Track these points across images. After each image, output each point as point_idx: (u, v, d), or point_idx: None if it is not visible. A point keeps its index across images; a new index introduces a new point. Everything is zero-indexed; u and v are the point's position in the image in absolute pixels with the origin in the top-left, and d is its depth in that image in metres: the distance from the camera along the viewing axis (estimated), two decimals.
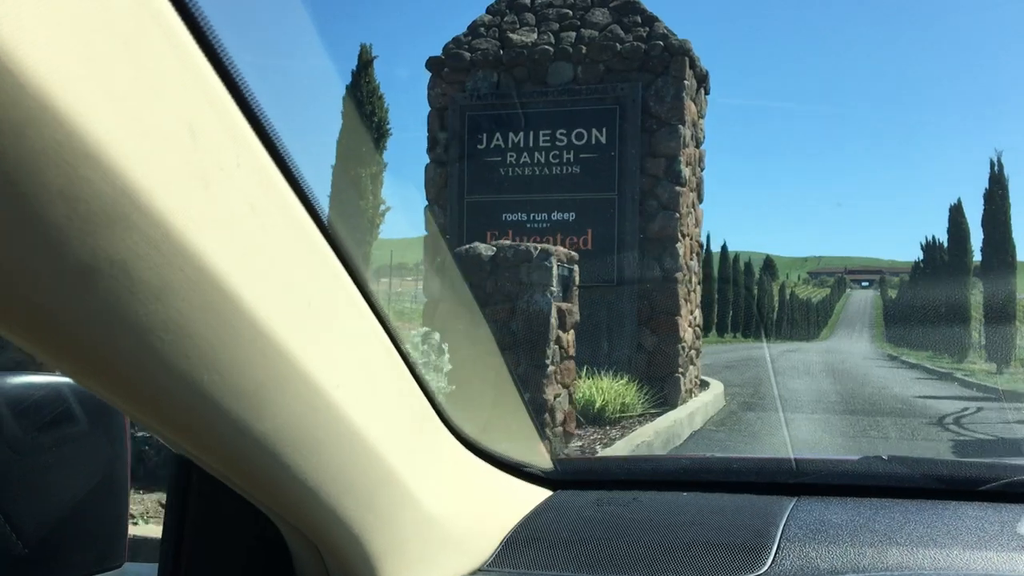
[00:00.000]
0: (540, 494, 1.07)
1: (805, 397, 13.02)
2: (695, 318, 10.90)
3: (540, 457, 1.12)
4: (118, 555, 0.84)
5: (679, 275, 9.77)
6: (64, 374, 0.52)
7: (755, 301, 58.50)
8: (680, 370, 9.76)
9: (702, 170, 11.35)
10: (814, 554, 0.88)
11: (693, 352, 10.74)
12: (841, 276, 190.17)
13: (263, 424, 0.58)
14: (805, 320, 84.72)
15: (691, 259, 10.49)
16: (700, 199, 11.30)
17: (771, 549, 0.90)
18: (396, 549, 0.76)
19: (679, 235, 9.79)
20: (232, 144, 0.52)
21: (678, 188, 9.79)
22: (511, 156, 9.97)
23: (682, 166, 9.81)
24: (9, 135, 0.38)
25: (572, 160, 9.85)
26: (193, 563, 0.79)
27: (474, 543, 0.91)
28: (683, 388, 9.79)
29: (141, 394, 0.52)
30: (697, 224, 11.10)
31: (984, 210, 24.35)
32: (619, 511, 1.03)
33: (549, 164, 9.90)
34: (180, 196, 0.47)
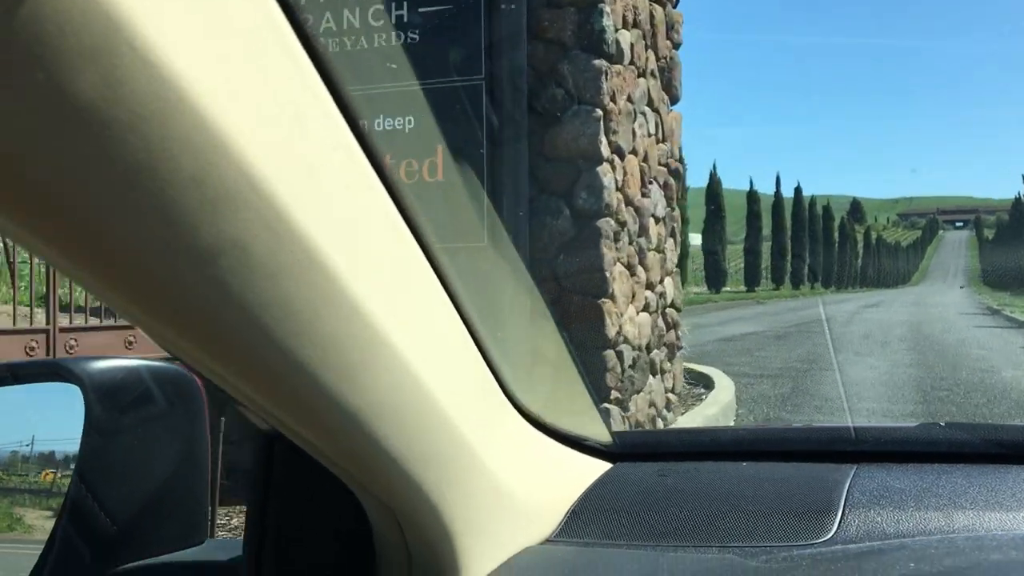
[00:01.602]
0: (601, 467, 1.06)
1: (864, 402, 8.26)
2: (663, 296, 6.28)
3: (599, 431, 1.12)
4: (202, 530, 0.88)
5: (605, 224, 5.16)
6: (177, 349, 0.55)
7: (835, 248, 53.01)
8: (615, 395, 5.20)
9: (675, 48, 6.62)
10: (879, 519, 0.85)
11: (660, 354, 6.15)
12: (933, 217, 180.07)
13: (356, 399, 0.61)
14: (893, 266, 78.29)
15: (642, 195, 5.83)
16: (673, 97, 6.59)
17: (836, 515, 0.86)
18: (471, 520, 0.80)
19: (605, 150, 5.16)
20: (329, 128, 0.54)
21: (599, 63, 5.14)
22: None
23: (607, 21, 5.14)
24: (153, 124, 0.41)
25: (405, 20, 5.30)
26: (278, 534, 0.82)
27: (541, 515, 0.92)
28: (625, 428, 5.22)
29: (248, 367, 0.55)
30: (664, 138, 6.41)
31: None
32: (680, 482, 1.02)
33: (367, 30, 5.34)
34: (291, 180, 0.50)
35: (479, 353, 0.80)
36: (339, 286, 0.55)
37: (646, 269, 5.89)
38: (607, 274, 5.18)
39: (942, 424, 1.07)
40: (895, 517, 0.85)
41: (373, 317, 0.59)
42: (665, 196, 6.38)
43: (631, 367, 5.49)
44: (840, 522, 0.85)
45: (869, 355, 12.41)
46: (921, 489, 0.90)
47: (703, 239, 33.26)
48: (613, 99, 5.28)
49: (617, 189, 5.36)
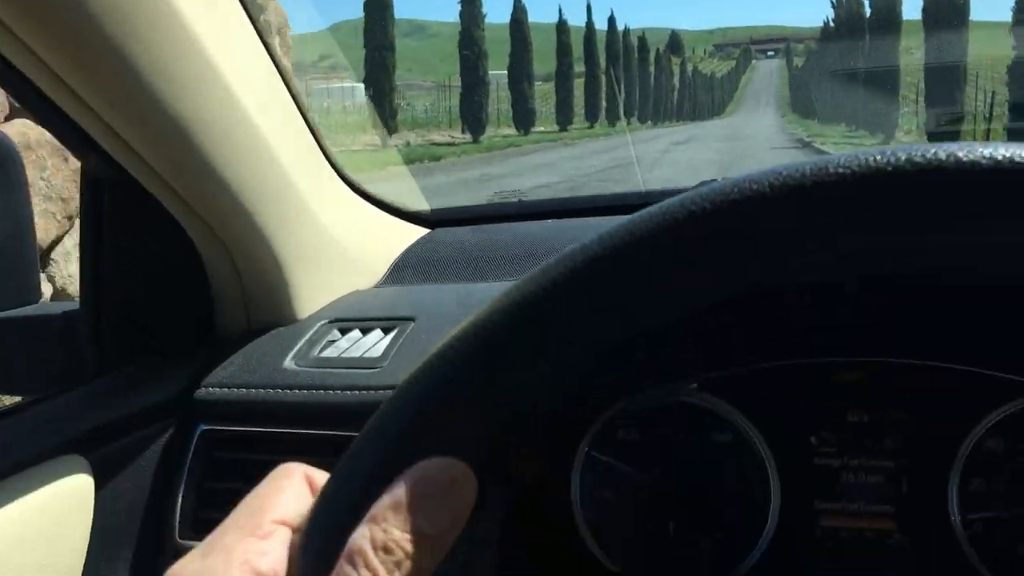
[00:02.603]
0: (421, 231, 1.22)
1: None
2: None
3: (418, 202, 1.28)
4: (33, 291, 0.94)
5: None
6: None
7: (651, 81, 52.55)
8: None
9: None
10: None
11: None
12: (746, 47, 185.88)
13: (179, 104, 0.71)
14: (708, 97, 79.72)
15: None
16: None
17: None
18: (302, 258, 0.92)
19: None
20: None
21: None
22: None
23: None
24: None
25: None
26: (113, 280, 0.88)
27: (365, 266, 1.08)
28: None
29: (68, 56, 0.64)
30: None
31: None
32: (490, 236, 1.18)
33: None
34: None
35: (307, 125, 0.93)
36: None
37: None
38: None
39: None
40: None
41: (192, 26, 0.70)
42: None
43: None
44: None
45: None
46: None
47: (509, 76, 31.33)
48: None
49: None
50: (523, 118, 30.92)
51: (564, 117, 35.68)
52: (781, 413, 0.85)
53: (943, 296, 0.79)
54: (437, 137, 26.20)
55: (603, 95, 40.29)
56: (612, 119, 41.65)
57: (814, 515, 0.83)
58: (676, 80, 67.67)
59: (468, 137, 25.61)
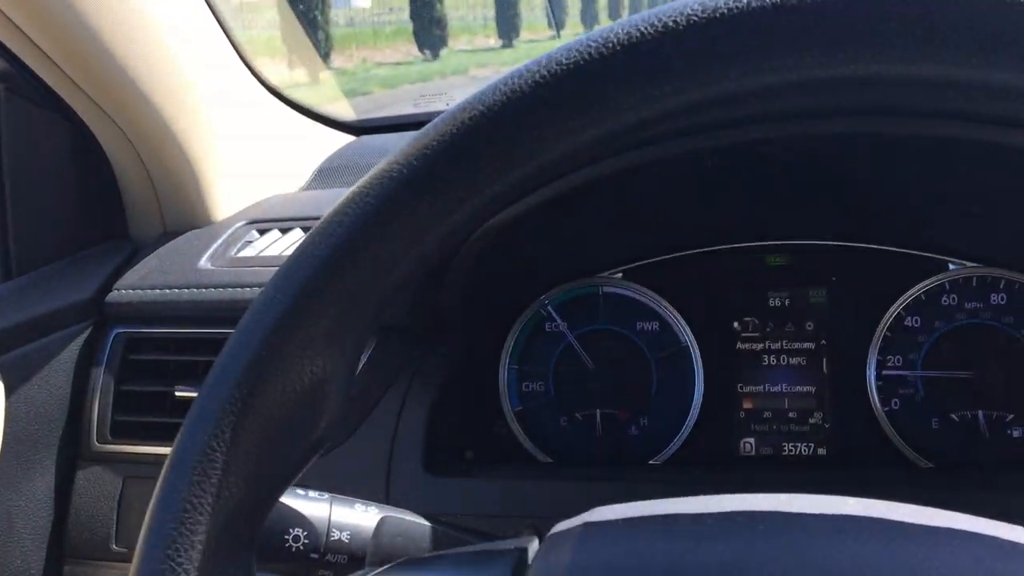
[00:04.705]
0: (347, 138, 1.37)
1: None
2: None
3: (344, 110, 1.45)
4: None
5: None
6: None
7: None
8: None
9: None
10: None
11: None
12: None
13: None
14: None
15: None
16: None
17: None
18: (212, 155, 1.02)
19: None
20: None
21: None
22: None
23: None
24: None
25: None
26: (18, 189, 0.96)
27: (288, 171, 1.21)
28: None
29: None
30: None
31: None
32: None
33: None
34: None
35: (217, 22, 1.06)
36: None
37: None
38: None
39: None
40: None
41: None
42: None
43: None
44: None
45: None
46: None
47: None
48: None
49: None
50: (507, 23, 28.51)
51: (561, 18, 33.74)
52: (704, 300, 0.96)
53: (863, 176, 0.89)
54: (383, 56, 21.69)
55: None
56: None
57: (737, 398, 0.95)
58: None
59: (428, 55, 22.66)
